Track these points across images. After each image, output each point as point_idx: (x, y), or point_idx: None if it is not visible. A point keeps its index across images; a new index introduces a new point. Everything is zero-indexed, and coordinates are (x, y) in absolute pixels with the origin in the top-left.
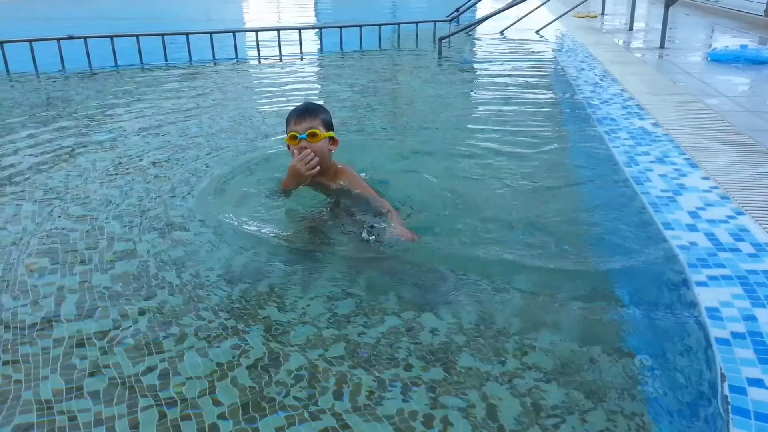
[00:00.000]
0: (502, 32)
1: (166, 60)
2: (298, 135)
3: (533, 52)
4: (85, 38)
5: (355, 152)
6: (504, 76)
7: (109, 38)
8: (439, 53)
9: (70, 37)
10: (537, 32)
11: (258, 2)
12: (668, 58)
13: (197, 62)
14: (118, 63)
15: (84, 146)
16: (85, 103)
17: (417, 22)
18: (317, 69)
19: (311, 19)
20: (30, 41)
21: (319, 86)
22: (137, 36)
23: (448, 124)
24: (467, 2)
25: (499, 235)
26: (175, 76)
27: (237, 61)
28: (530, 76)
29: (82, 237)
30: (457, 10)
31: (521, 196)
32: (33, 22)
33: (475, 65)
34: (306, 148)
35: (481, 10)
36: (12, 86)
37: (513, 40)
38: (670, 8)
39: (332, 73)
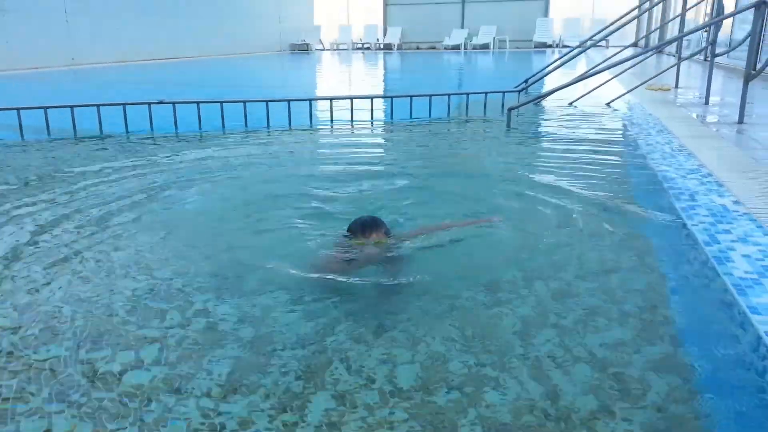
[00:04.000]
0: (571, 103)
1: (246, 125)
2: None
3: (604, 124)
4: (173, 103)
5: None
6: (574, 147)
7: (195, 104)
8: (508, 123)
9: (161, 102)
10: (608, 104)
11: (331, 72)
12: (747, 133)
13: (274, 128)
14: (203, 128)
15: (172, 206)
16: (176, 161)
17: (486, 93)
18: (388, 136)
19: (378, 89)
20: (124, 105)
21: (389, 153)
22: (221, 102)
23: (516, 194)
24: (536, 74)
25: (567, 317)
26: (255, 140)
27: (312, 126)
28: (601, 149)
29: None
30: (525, 81)
31: (591, 276)
32: (126, 85)
33: (544, 136)
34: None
35: (550, 82)
36: (105, 147)
37: (583, 111)
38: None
39: (402, 140)
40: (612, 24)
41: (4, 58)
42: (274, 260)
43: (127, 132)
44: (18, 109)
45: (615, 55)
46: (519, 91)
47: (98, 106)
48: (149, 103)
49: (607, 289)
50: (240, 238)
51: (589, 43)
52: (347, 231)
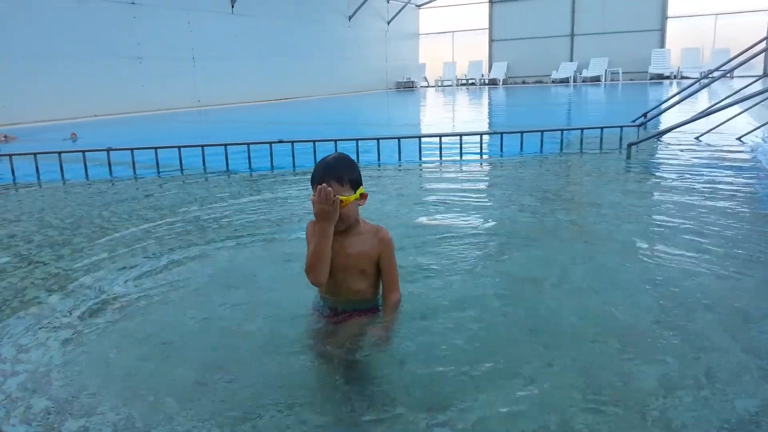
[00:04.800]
0: (698, 138)
1: (358, 160)
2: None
3: (736, 161)
4: (292, 142)
5: (537, 259)
6: (702, 186)
7: (311, 143)
8: (628, 159)
9: (280, 141)
10: (739, 139)
11: (437, 109)
12: None
13: (384, 164)
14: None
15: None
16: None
17: (602, 127)
18: (498, 172)
19: (485, 125)
20: (248, 144)
21: (498, 189)
22: (335, 141)
23: (637, 234)
24: (656, 107)
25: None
26: (367, 176)
27: (420, 163)
28: (733, 188)
29: None
30: (644, 115)
31: (733, 328)
32: (249, 125)
33: (668, 173)
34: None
35: (670, 115)
36: (230, 183)
37: (711, 147)
38: None
39: (513, 176)
40: (741, 54)
41: (140, 101)
42: None
43: (251, 169)
44: (155, 148)
45: (745, 87)
46: (638, 126)
47: (225, 145)
48: (270, 143)
49: (752, 345)
50: None
51: (717, 74)
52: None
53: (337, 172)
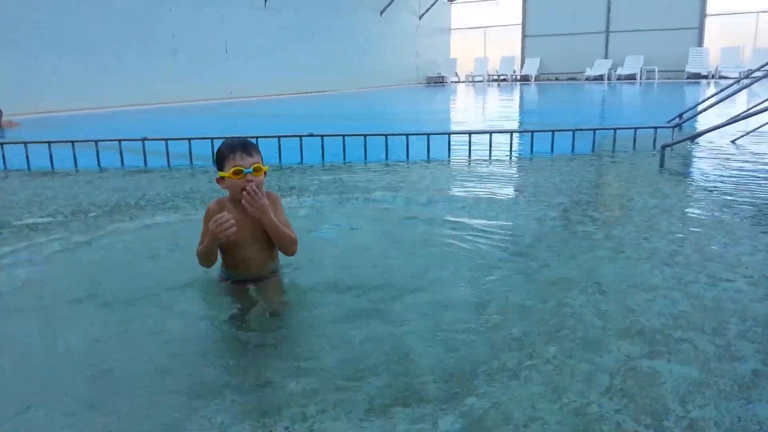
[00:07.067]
0: (735, 141)
1: (387, 156)
2: (244, 169)
3: None
4: (322, 136)
5: (563, 260)
6: (737, 192)
7: (341, 137)
8: (662, 162)
9: (310, 135)
10: None
11: (468, 104)
12: None
13: (413, 161)
14: (347, 158)
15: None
16: (323, 188)
17: (636, 128)
18: (527, 171)
19: (515, 122)
20: (278, 137)
21: (527, 188)
22: (364, 135)
23: (668, 239)
24: (692, 107)
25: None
26: (396, 172)
27: (449, 160)
28: None
29: None
30: (679, 116)
31: (761, 337)
32: (279, 118)
33: (703, 177)
34: (251, 181)
35: (707, 116)
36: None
37: (749, 151)
38: None
39: (543, 175)
40: None
41: (175, 92)
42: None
43: (280, 162)
44: (189, 139)
45: None
46: (673, 127)
47: (257, 138)
48: (300, 136)
49: None
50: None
51: (758, 74)
52: (216, 164)
53: (252, 144)
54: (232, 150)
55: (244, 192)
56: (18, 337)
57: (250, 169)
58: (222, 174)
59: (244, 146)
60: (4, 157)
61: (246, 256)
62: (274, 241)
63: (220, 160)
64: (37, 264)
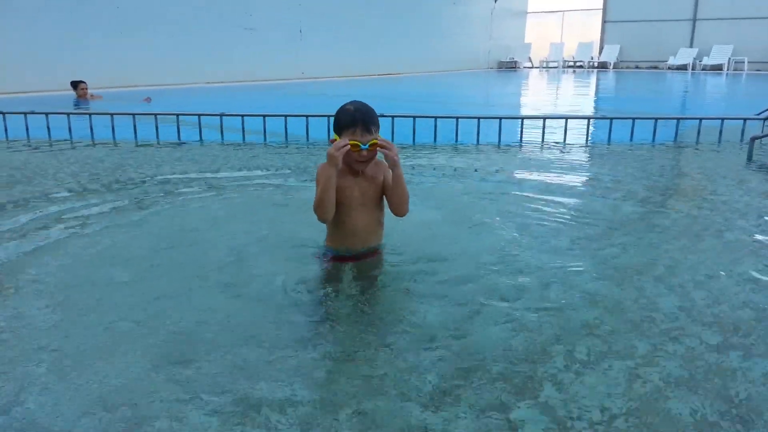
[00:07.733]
0: None
1: (456, 139)
2: (361, 146)
3: None
4: (392, 117)
5: (639, 249)
6: None
7: (411, 118)
8: (750, 155)
9: (381, 116)
10: None
11: (543, 89)
12: None
13: (483, 143)
14: (416, 140)
15: None
16: None
17: (722, 119)
18: (603, 159)
19: (592, 108)
20: (306, 116)
21: (603, 176)
22: (435, 118)
23: (750, 233)
24: None
25: None
26: (466, 155)
27: (521, 145)
28: None
29: None
30: None
31: None
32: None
33: None
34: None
35: None
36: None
37: None
38: None
39: (620, 164)
40: None
41: (249, 70)
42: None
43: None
44: (264, 116)
45: None
46: (763, 119)
47: (328, 116)
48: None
49: None
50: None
51: None
52: (334, 124)
53: (373, 121)
54: (354, 124)
55: (383, 141)
56: (151, 292)
57: (366, 146)
58: (338, 139)
59: (365, 124)
60: (92, 127)
61: (355, 224)
62: (395, 196)
63: (338, 126)
64: (130, 228)
